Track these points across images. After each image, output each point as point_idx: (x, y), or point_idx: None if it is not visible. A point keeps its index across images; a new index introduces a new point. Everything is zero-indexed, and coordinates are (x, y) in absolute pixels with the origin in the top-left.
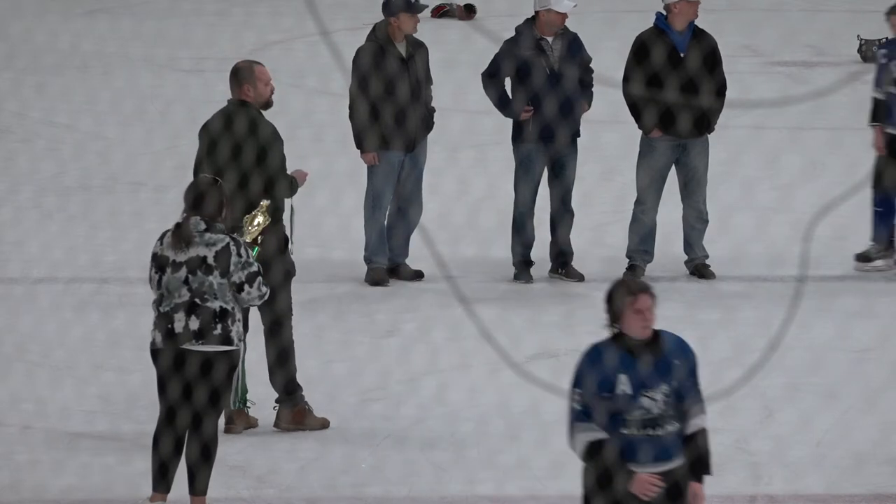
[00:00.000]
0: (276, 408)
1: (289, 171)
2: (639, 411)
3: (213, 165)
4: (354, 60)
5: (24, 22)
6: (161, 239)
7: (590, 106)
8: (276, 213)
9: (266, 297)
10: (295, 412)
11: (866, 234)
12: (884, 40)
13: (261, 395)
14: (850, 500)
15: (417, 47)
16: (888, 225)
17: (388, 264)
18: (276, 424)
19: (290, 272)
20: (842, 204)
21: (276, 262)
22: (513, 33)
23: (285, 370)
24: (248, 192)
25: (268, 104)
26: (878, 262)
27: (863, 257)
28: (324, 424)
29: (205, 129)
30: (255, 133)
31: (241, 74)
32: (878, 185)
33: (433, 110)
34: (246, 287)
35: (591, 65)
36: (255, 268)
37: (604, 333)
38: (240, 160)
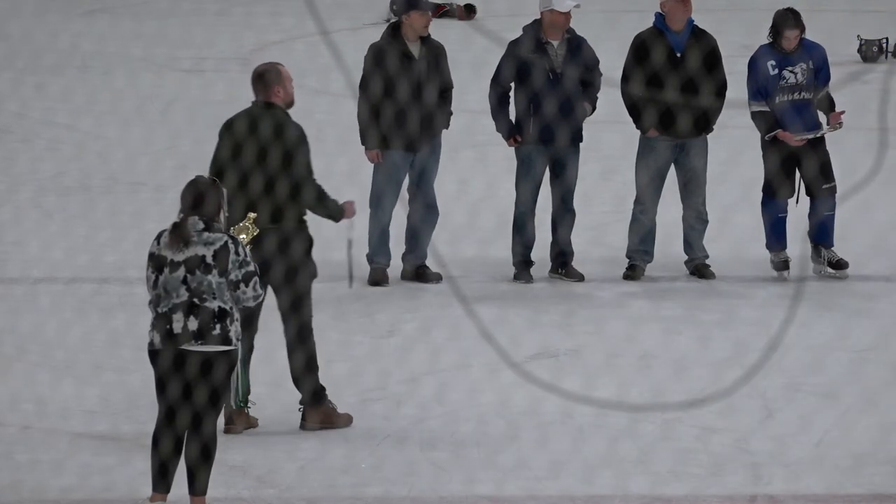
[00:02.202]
0: (301, 409)
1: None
2: None
3: (239, 169)
4: (365, 57)
5: (24, 22)
6: (158, 239)
7: (592, 112)
8: (300, 216)
9: (261, 299)
10: (324, 413)
11: (865, 234)
12: (884, 41)
13: (261, 395)
14: (850, 500)
15: (433, 49)
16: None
17: (410, 267)
18: (303, 426)
19: (313, 274)
20: (842, 203)
21: (302, 266)
22: (515, 33)
23: (313, 376)
24: (273, 196)
25: (293, 103)
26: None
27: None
28: (347, 421)
29: (228, 131)
30: (282, 136)
31: (269, 77)
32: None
33: (450, 113)
34: (241, 286)
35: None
36: (251, 267)
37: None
38: (267, 164)
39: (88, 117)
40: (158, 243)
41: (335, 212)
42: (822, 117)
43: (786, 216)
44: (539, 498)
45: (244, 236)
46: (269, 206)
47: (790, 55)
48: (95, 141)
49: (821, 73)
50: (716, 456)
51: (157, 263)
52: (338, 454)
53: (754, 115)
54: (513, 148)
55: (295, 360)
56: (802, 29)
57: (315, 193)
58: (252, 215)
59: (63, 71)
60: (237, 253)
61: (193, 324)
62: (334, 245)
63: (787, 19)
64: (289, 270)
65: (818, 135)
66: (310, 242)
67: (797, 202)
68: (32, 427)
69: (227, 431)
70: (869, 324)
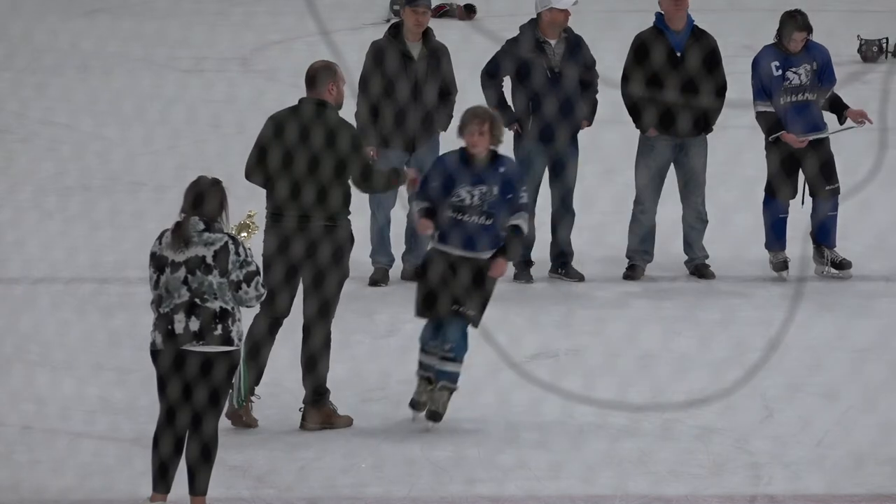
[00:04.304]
0: (302, 409)
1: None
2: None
3: (292, 169)
4: (365, 55)
5: (24, 22)
6: (160, 239)
7: (590, 122)
8: (346, 208)
9: (263, 298)
10: (323, 413)
11: (865, 234)
12: (884, 41)
13: (262, 395)
14: (850, 500)
15: (435, 49)
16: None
17: (410, 267)
18: (303, 426)
19: (345, 275)
20: (842, 203)
21: (346, 265)
22: (514, 33)
23: (317, 373)
24: (330, 196)
25: (342, 104)
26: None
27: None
28: (347, 423)
29: (278, 129)
30: (339, 137)
31: (326, 74)
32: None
33: (450, 116)
34: (243, 286)
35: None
36: (253, 267)
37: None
38: (323, 165)
39: (88, 117)
40: (160, 243)
41: (394, 183)
42: (826, 118)
43: (786, 217)
44: (539, 498)
45: (245, 234)
46: (323, 207)
47: (794, 56)
48: (95, 141)
49: (824, 74)
50: (716, 456)
51: (158, 263)
52: (338, 454)
53: (758, 116)
54: (512, 148)
55: (309, 356)
56: (809, 31)
57: (384, 180)
58: (252, 212)
59: (63, 71)
60: (237, 253)
61: (195, 324)
62: None
63: (795, 21)
64: (339, 270)
65: (822, 136)
66: (353, 241)
67: (802, 203)
68: (32, 427)
69: (228, 416)
70: (869, 324)
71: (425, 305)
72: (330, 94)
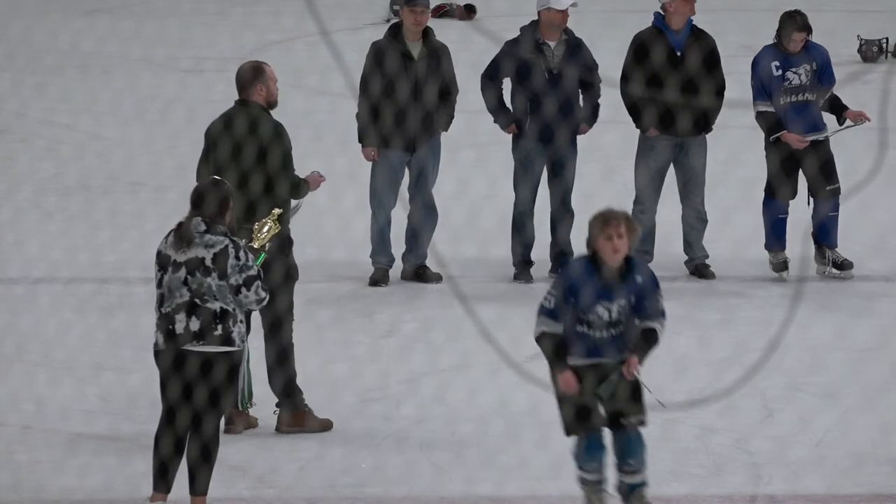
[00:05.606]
0: (276, 411)
1: (296, 172)
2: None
3: (238, 169)
4: (366, 56)
5: (24, 22)
6: (166, 238)
7: (591, 125)
8: (281, 216)
9: (265, 302)
10: (295, 415)
11: (865, 234)
12: (884, 41)
13: (261, 396)
14: (850, 500)
15: (435, 49)
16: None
17: (410, 267)
18: (278, 428)
19: (291, 274)
20: (842, 203)
21: (276, 263)
22: (515, 33)
23: (284, 373)
24: (273, 195)
25: (276, 103)
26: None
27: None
28: (325, 426)
29: (225, 133)
30: (257, 133)
31: (254, 74)
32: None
33: (451, 116)
34: (243, 290)
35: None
36: (253, 271)
37: None
38: (265, 165)
39: (88, 117)
40: (166, 242)
41: (304, 192)
42: (826, 119)
43: (786, 217)
44: (539, 498)
45: (269, 228)
46: (267, 207)
47: (793, 56)
48: (95, 141)
49: (824, 74)
50: (716, 456)
51: (161, 262)
52: (338, 454)
53: (759, 116)
54: (511, 148)
55: (267, 355)
56: (809, 31)
57: (286, 188)
58: (277, 211)
59: (63, 71)
60: (237, 257)
61: (195, 324)
62: (335, 245)
63: (794, 21)
64: (278, 267)
65: (822, 137)
66: (286, 241)
67: (809, 202)
68: (32, 427)
69: (226, 432)
70: (869, 324)
71: (579, 421)
72: (259, 95)
